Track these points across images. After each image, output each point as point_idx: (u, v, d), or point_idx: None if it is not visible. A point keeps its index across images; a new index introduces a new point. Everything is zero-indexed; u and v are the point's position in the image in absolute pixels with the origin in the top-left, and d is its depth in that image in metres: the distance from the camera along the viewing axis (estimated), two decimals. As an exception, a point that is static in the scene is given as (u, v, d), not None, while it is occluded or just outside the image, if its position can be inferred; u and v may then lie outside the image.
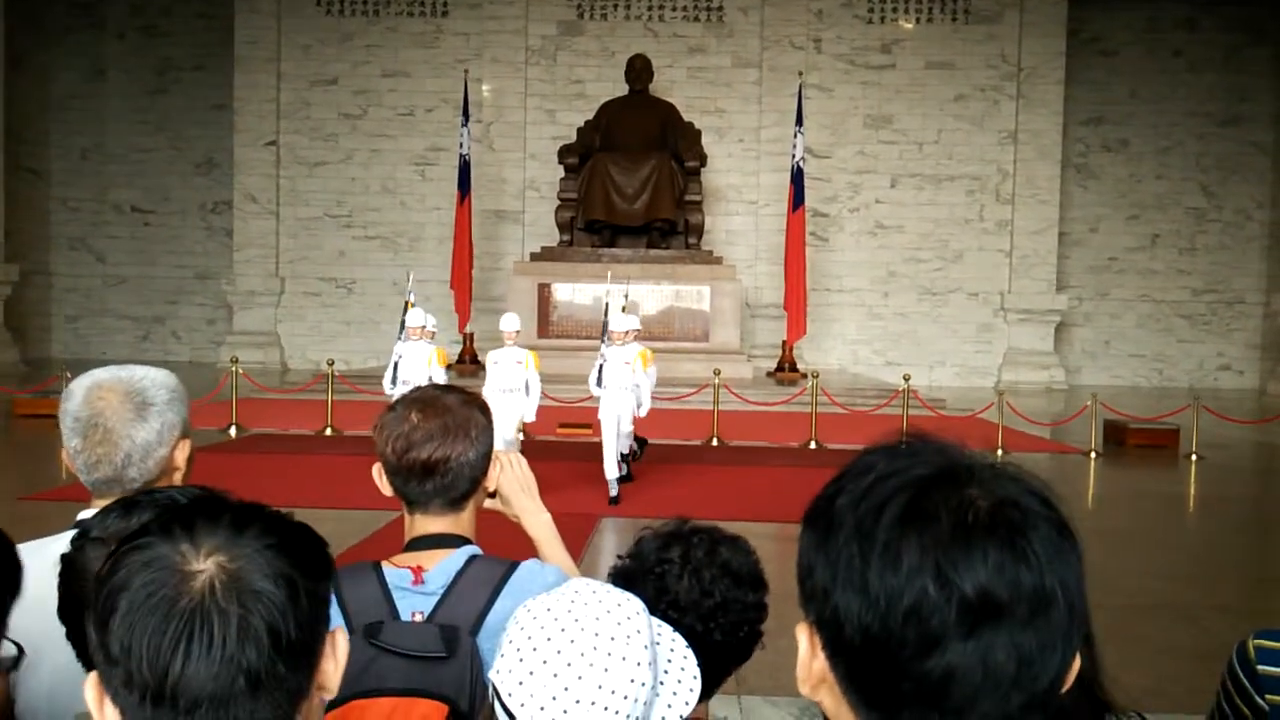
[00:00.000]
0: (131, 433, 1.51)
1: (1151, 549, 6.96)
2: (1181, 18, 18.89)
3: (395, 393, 7.86)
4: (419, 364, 8.23)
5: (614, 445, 7.92)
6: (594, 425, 8.65)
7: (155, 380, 1.58)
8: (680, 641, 1.17)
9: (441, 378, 8.29)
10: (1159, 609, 5.58)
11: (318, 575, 0.84)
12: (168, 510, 0.87)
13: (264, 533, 0.82)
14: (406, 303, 8.99)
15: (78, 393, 1.56)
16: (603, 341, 8.37)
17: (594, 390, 8.20)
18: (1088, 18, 18.60)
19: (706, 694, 1.45)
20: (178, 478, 1.55)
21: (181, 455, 1.57)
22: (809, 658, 0.78)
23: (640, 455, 8.81)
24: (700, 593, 1.42)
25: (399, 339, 8.60)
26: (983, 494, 0.73)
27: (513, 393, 7.88)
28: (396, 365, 8.35)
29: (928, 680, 0.70)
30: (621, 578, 1.45)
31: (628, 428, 8.20)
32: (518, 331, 8.33)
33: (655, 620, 1.14)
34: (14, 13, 18.15)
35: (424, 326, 8.45)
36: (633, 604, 1.08)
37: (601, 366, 8.09)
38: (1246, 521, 8.53)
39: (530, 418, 8.08)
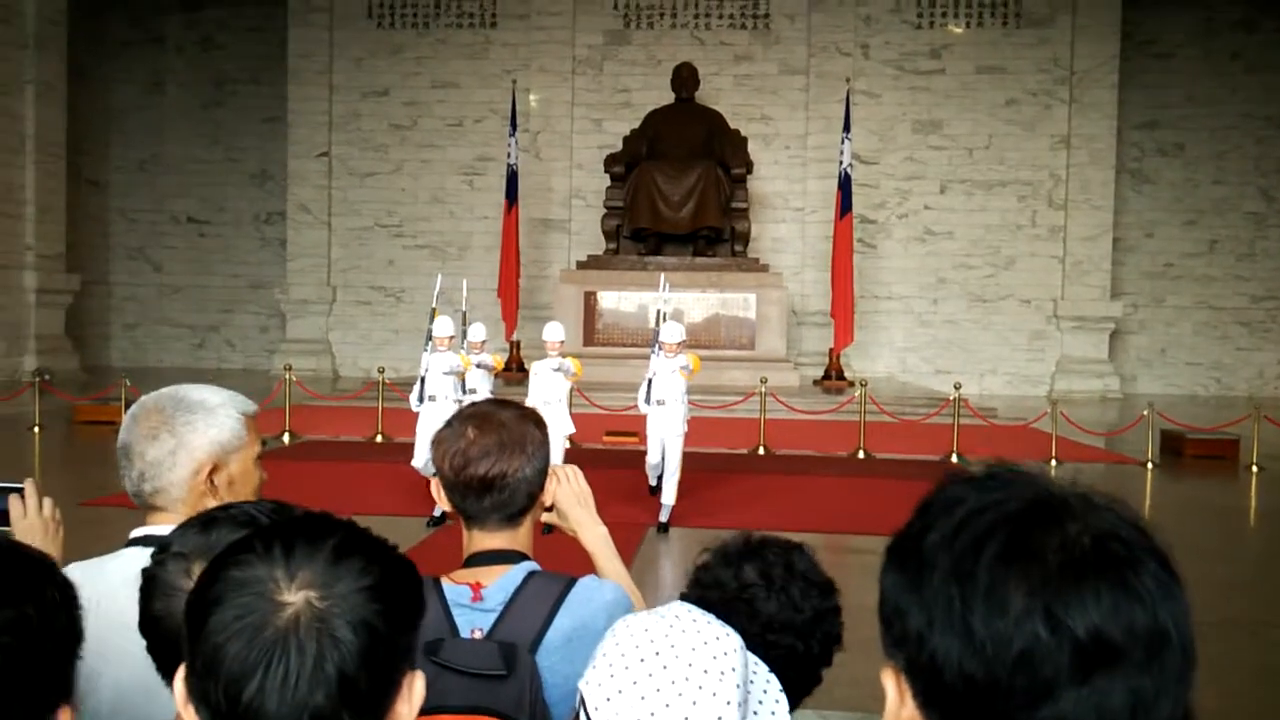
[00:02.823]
0: (144, 451, 1.58)
1: (1212, 563, 6.79)
2: (1238, 19, 18.49)
3: (423, 410, 7.58)
4: (446, 377, 7.67)
5: (656, 465, 7.59)
6: (640, 434, 8.52)
7: (189, 402, 1.61)
8: (775, 684, 1.16)
9: (481, 385, 7.91)
10: (1221, 625, 5.43)
11: (406, 624, 0.84)
12: (274, 527, 0.88)
13: (362, 571, 0.82)
14: (433, 310, 8.23)
15: (129, 410, 1.66)
16: (653, 352, 7.80)
17: (643, 408, 7.70)
18: (1141, 20, 18.28)
19: (796, 704, 1.44)
20: (210, 501, 1.56)
21: (204, 476, 1.58)
22: (897, 705, 0.74)
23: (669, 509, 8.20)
24: (793, 609, 1.41)
25: (425, 350, 7.86)
26: (1082, 528, 0.70)
27: (554, 405, 7.51)
28: (423, 380, 7.72)
29: None
30: (710, 611, 1.43)
31: (674, 459, 7.51)
32: (561, 341, 7.83)
33: (753, 658, 1.13)
34: (76, 28, 18.63)
35: (453, 336, 7.84)
36: (732, 640, 1.06)
37: (650, 381, 7.62)
38: (1311, 535, 8.29)
39: (567, 424, 7.71)
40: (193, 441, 1.58)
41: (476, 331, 8.29)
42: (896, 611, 0.73)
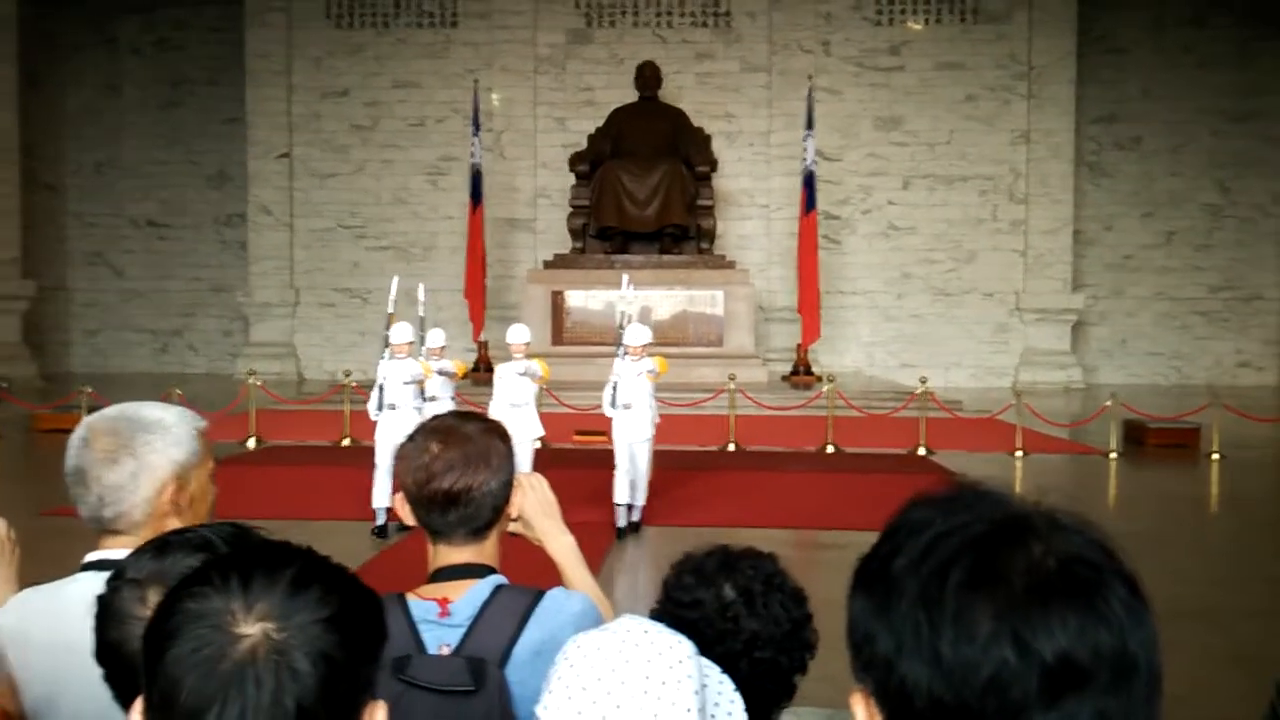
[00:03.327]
0: (101, 474, 1.53)
1: (1175, 552, 6.89)
2: (1189, 16, 18.79)
3: (381, 418, 7.31)
4: (406, 385, 7.35)
5: (625, 472, 7.29)
6: (609, 434, 8.42)
7: (146, 422, 1.57)
8: (728, 684, 1.17)
9: (442, 392, 7.72)
10: (1185, 614, 5.51)
11: (366, 655, 0.83)
12: (231, 557, 0.87)
13: (320, 602, 0.81)
14: (390, 316, 7.80)
15: (76, 432, 1.59)
16: (617, 355, 7.55)
17: (608, 412, 7.45)
18: (1097, 16, 18.52)
19: (775, 714, 1.44)
20: (174, 520, 1.53)
21: (180, 498, 1.55)
22: None
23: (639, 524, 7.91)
24: (774, 624, 1.41)
25: (383, 358, 7.48)
26: (1048, 550, 0.70)
27: (521, 408, 7.40)
28: (381, 389, 7.34)
29: None
30: (690, 631, 1.36)
31: (644, 464, 7.40)
32: (526, 344, 7.67)
33: (705, 661, 1.13)
34: (29, 31, 18.31)
35: (412, 342, 7.49)
36: (684, 647, 1.07)
37: (615, 385, 7.38)
38: (1271, 521, 8.45)
39: (536, 426, 7.58)
40: (154, 462, 1.54)
41: (435, 337, 8.04)
42: (865, 636, 0.73)
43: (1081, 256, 18.82)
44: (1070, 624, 0.67)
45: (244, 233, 19.24)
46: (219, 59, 19.55)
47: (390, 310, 8.05)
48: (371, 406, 7.48)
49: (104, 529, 1.55)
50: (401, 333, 7.43)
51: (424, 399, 7.53)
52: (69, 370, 19.46)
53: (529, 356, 7.69)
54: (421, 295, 8.90)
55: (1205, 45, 18.79)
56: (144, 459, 1.54)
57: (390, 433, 7.15)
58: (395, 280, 9.13)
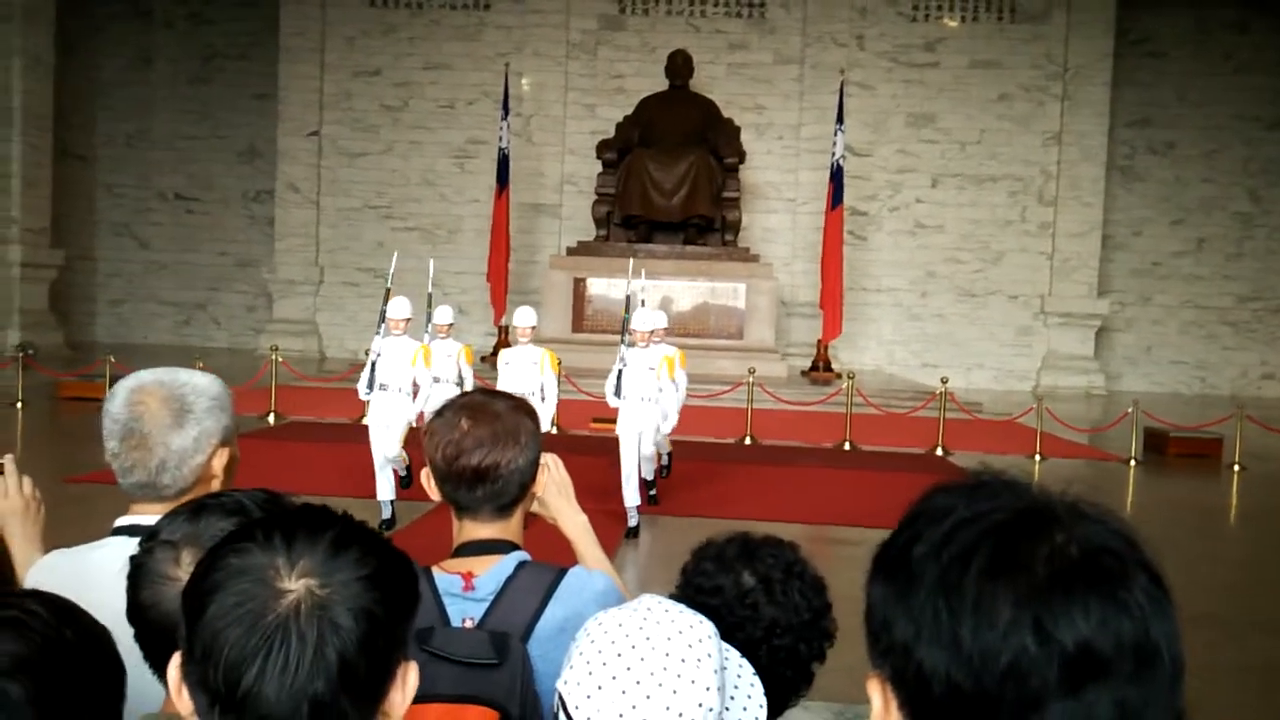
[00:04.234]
0: (168, 439, 1.51)
1: (1192, 561, 6.84)
2: (1231, 20, 18.54)
3: (373, 399, 6.88)
4: (400, 363, 6.85)
5: (633, 467, 6.88)
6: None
7: (198, 387, 1.57)
8: (748, 667, 1.17)
9: (447, 376, 7.50)
10: (1199, 623, 5.46)
11: (402, 614, 0.85)
12: (273, 518, 0.88)
13: (360, 561, 0.83)
14: (387, 290, 7.32)
15: (119, 395, 1.56)
16: (622, 342, 7.15)
17: (611, 401, 6.98)
18: (1136, 19, 18.31)
19: (791, 703, 1.45)
20: (215, 485, 1.55)
21: (219, 463, 1.57)
22: (883, 715, 0.73)
23: (668, 472, 8.07)
24: (794, 612, 1.42)
25: (378, 334, 6.98)
26: (1071, 539, 0.70)
27: (530, 398, 6.92)
28: (374, 366, 6.83)
29: None
30: (709, 617, 1.37)
31: (649, 449, 7.12)
32: (533, 327, 7.42)
33: (725, 645, 1.14)
34: (64, 1, 18.42)
35: (409, 319, 7.01)
36: (705, 627, 1.07)
37: (620, 373, 6.94)
38: (1290, 535, 8.37)
39: (546, 426, 7.31)
40: (211, 427, 1.56)
41: (443, 314, 7.81)
42: (883, 622, 0.73)
43: (1109, 261, 18.66)
44: (1092, 613, 0.67)
45: (271, 209, 19.34)
46: (250, 34, 19.64)
47: (388, 285, 7.69)
48: (361, 385, 6.92)
49: (154, 495, 1.53)
50: (399, 308, 6.95)
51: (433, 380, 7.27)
52: (93, 339, 19.65)
53: (537, 342, 7.52)
54: (431, 271, 8.81)
55: (1246, 51, 18.54)
56: (204, 423, 1.55)
57: (381, 417, 6.85)
58: (395, 256, 9.06)
